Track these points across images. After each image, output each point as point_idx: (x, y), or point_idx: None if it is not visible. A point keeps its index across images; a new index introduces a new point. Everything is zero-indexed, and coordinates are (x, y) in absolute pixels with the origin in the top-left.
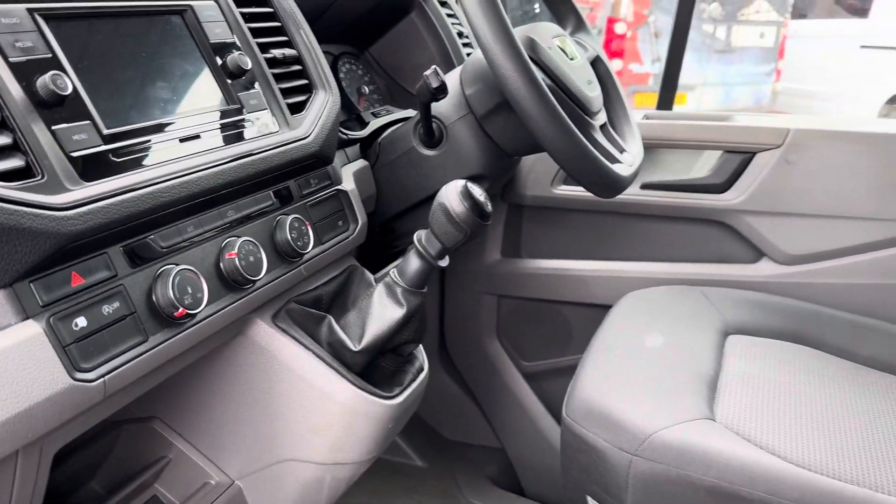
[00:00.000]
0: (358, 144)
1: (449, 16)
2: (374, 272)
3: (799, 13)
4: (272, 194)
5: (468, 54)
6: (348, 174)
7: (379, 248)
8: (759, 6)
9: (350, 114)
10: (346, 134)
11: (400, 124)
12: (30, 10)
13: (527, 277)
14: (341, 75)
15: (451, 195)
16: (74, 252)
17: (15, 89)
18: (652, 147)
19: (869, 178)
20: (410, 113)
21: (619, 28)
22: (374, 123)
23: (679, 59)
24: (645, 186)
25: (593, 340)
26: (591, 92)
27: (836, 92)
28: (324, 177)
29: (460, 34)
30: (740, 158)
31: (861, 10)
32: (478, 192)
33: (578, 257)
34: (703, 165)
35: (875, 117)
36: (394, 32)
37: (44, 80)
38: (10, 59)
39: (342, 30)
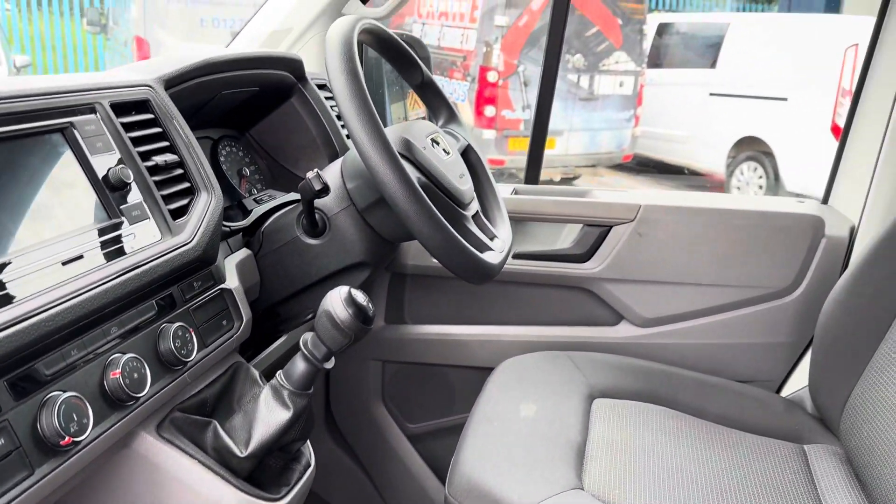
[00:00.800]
0: (241, 233)
1: (328, 98)
2: (257, 353)
3: (654, 63)
4: (155, 304)
5: (348, 136)
6: (231, 266)
7: (264, 333)
8: (619, 57)
9: (232, 200)
10: (228, 227)
11: (283, 211)
12: None
13: (410, 342)
14: (221, 159)
15: (336, 302)
16: None
17: None
18: (521, 220)
19: (708, 248)
20: (293, 196)
21: (491, 76)
22: (257, 211)
23: (542, 143)
24: (517, 256)
25: (472, 413)
26: (463, 185)
27: (690, 135)
28: (207, 277)
29: (339, 117)
30: (599, 231)
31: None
32: (361, 298)
33: (459, 322)
34: (566, 237)
35: (724, 160)
36: (274, 115)
37: None
38: None
39: (222, 115)
